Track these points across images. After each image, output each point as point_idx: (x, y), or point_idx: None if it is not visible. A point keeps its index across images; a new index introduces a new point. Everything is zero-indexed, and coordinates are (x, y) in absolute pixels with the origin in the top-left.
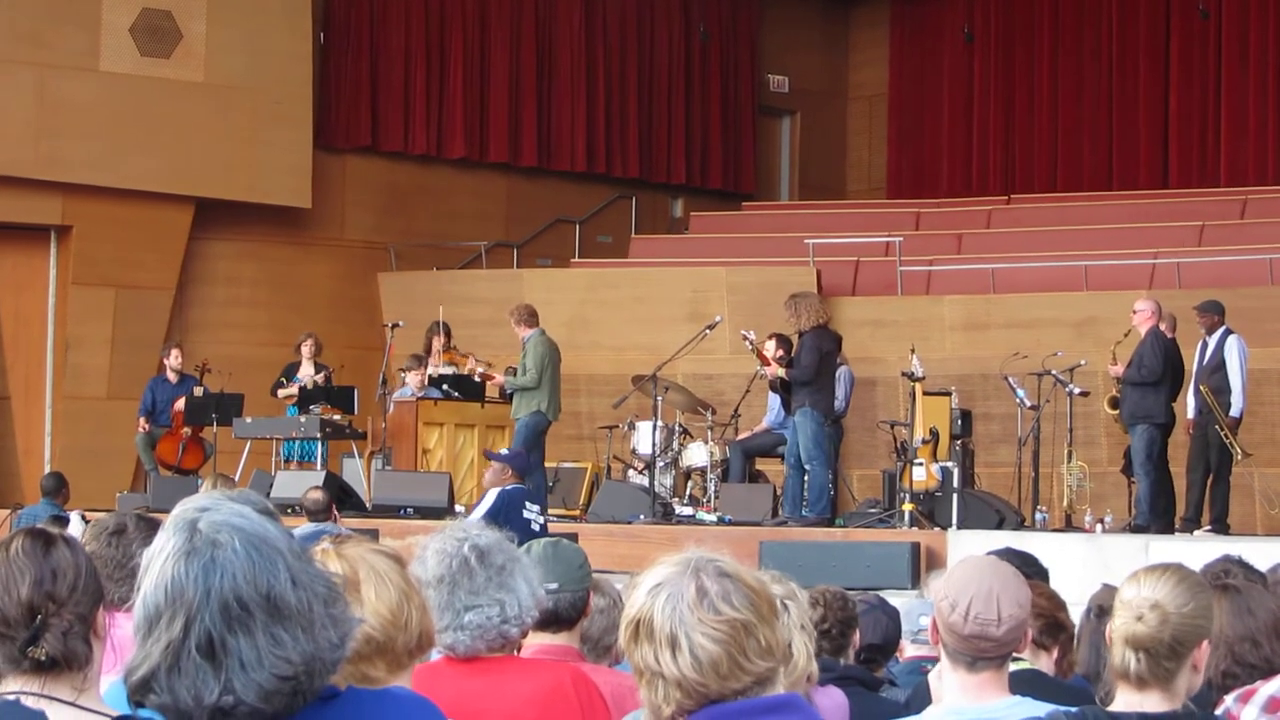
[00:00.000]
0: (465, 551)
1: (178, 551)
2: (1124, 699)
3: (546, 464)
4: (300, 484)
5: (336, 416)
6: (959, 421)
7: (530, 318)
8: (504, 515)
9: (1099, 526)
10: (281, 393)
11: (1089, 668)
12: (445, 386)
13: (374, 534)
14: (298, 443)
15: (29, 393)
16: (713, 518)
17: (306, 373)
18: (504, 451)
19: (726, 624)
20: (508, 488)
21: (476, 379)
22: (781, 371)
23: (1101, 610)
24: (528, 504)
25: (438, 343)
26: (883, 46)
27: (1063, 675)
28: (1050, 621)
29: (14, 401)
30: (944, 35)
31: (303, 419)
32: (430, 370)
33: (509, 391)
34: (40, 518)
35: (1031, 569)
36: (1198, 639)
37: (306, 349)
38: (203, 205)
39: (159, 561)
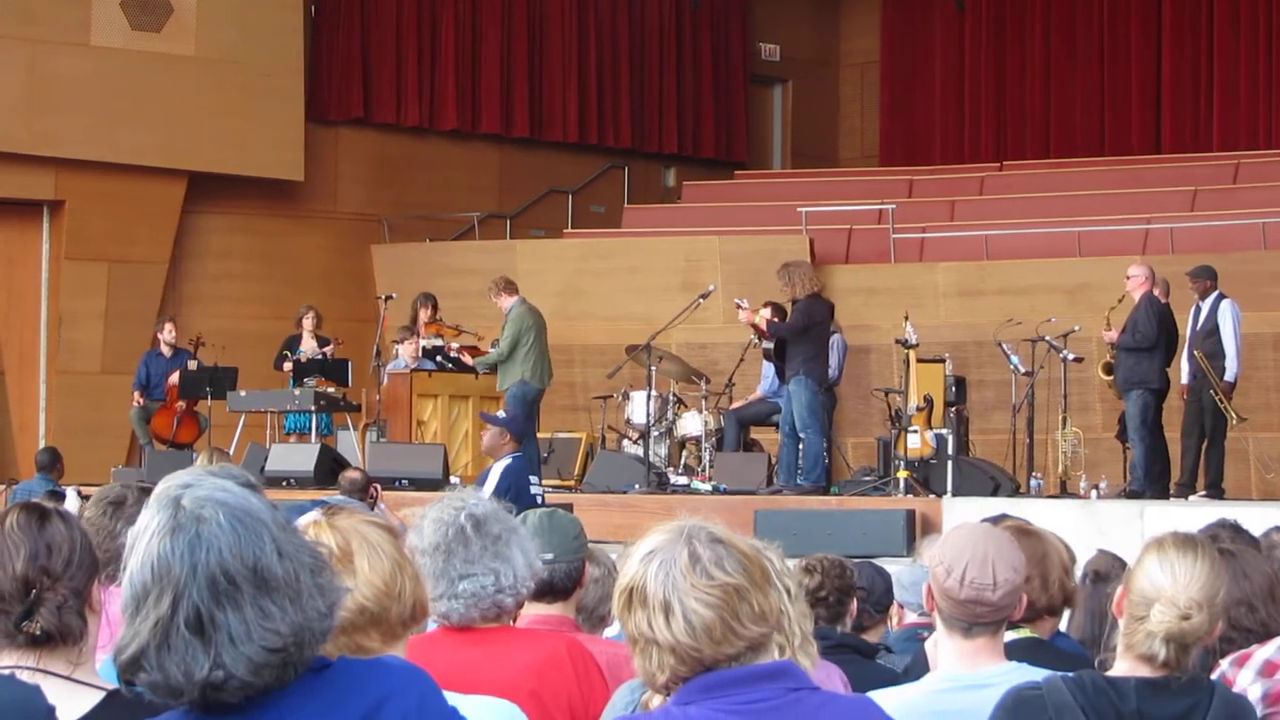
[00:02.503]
0: (462, 520)
1: (163, 528)
2: (1124, 665)
3: (541, 434)
4: (295, 457)
5: (331, 389)
6: (953, 388)
7: (508, 287)
8: (513, 493)
9: (1094, 492)
10: (286, 366)
11: (1085, 633)
12: (439, 358)
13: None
14: (301, 416)
15: (23, 368)
16: (708, 487)
17: (309, 346)
18: (500, 415)
19: (719, 589)
20: (508, 461)
21: (452, 353)
22: (759, 319)
23: (1098, 575)
24: (531, 478)
25: (424, 314)
26: (874, 14)
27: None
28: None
29: (8, 377)
30: (935, 3)
31: (297, 392)
32: (423, 342)
33: (483, 371)
34: (35, 492)
35: None
36: (1219, 620)
37: (308, 322)
38: (195, 179)
39: (144, 539)
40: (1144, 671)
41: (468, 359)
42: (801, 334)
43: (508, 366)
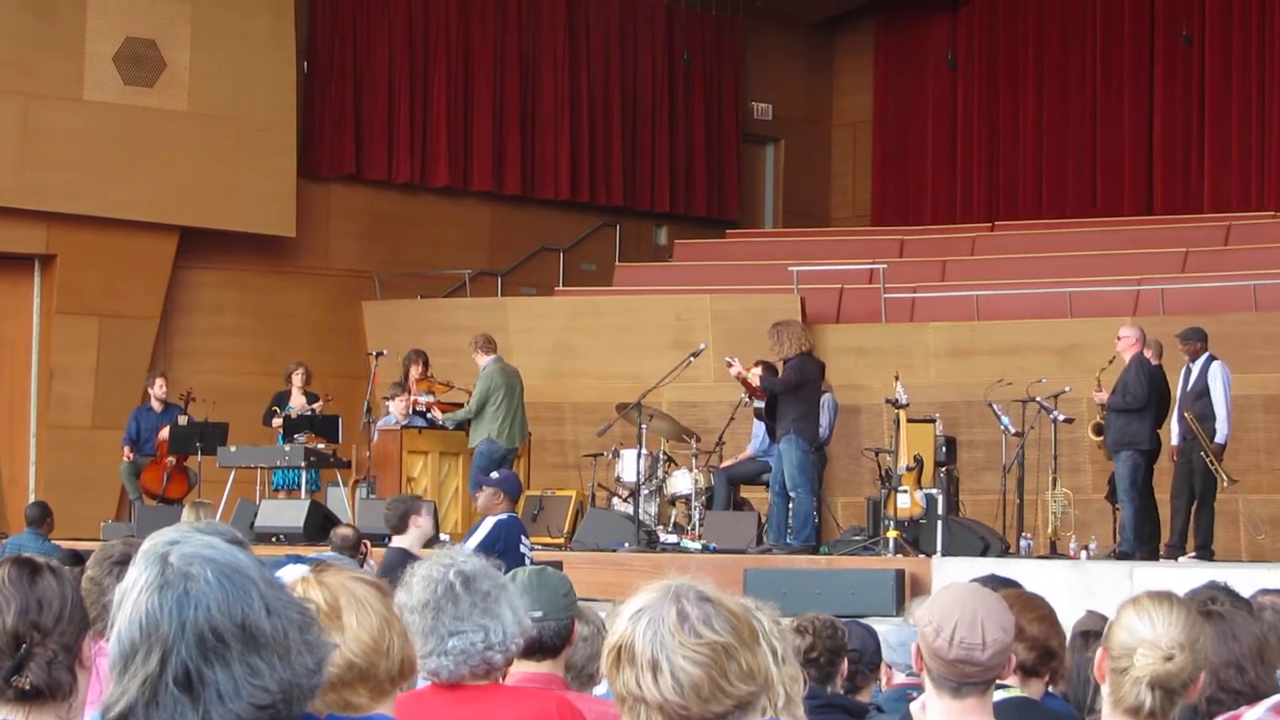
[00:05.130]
0: (451, 577)
1: (150, 585)
2: None
3: (531, 492)
4: (285, 513)
5: (321, 445)
6: (943, 448)
7: (486, 345)
8: (500, 546)
9: (1083, 553)
10: (275, 422)
11: (1074, 693)
12: (429, 415)
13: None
14: (290, 472)
15: (13, 421)
16: (697, 545)
17: (298, 402)
18: (495, 475)
19: (707, 647)
20: (502, 517)
21: (420, 407)
22: (752, 375)
23: (1087, 636)
24: (523, 538)
25: (415, 371)
26: (866, 73)
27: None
28: (1043, 652)
29: None
30: (928, 62)
31: (287, 448)
32: (420, 402)
33: (451, 428)
34: (25, 547)
35: None
36: (1202, 671)
37: (297, 378)
38: (187, 234)
39: (132, 596)
40: None
41: (438, 414)
42: (794, 391)
43: (477, 424)
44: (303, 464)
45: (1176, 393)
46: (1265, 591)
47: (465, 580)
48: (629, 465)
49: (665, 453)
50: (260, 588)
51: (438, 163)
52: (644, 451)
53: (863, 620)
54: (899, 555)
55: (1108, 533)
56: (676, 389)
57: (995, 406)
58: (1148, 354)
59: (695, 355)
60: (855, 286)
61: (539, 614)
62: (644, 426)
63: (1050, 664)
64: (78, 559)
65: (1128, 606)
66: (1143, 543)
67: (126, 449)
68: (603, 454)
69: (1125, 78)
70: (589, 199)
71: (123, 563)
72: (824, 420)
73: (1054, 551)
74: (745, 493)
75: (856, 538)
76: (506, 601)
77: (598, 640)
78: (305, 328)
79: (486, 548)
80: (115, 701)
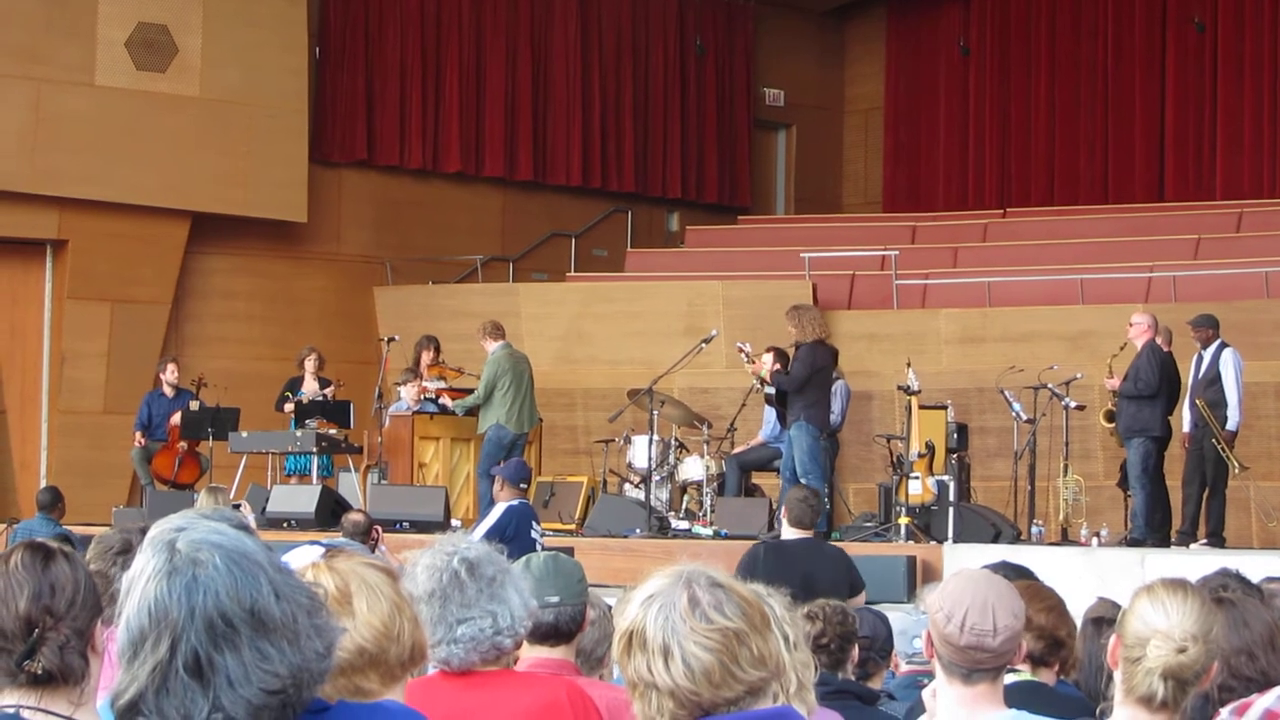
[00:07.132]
0: (455, 565)
1: (159, 572)
2: (1124, 714)
3: (543, 478)
4: (296, 498)
5: (333, 431)
6: (955, 435)
7: (494, 332)
8: (511, 532)
9: (1095, 540)
10: (287, 407)
11: (1086, 680)
12: (439, 401)
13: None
14: (302, 457)
15: (25, 407)
16: (709, 532)
17: (310, 387)
18: (501, 465)
19: (719, 632)
20: (513, 503)
21: (428, 395)
22: (765, 371)
23: (1099, 623)
24: (534, 524)
25: (427, 356)
26: (879, 60)
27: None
28: (1050, 642)
29: (10, 415)
30: (940, 49)
31: (299, 433)
32: (428, 385)
33: (461, 414)
34: (36, 532)
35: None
36: (1215, 660)
37: (309, 363)
38: (199, 219)
39: (141, 583)
40: (1140, 713)
41: (448, 400)
42: (804, 384)
43: (486, 410)
44: (314, 449)
45: (1188, 380)
46: (1272, 579)
47: (469, 567)
48: (640, 451)
49: (677, 439)
50: (269, 573)
51: (450, 148)
52: (655, 438)
53: (874, 607)
54: (910, 542)
55: (1119, 519)
56: (688, 375)
57: (1007, 393)
58: (1159, 341)
59: (707, 342)
60: (867, 273)
61: (556, 599)
62: (655, 413)
63: (1059, 653)
64: (68, 542)
65: (1142, 594)
66: (1154, 529)
67: (138, 434)
68: (614, 440)
69: (1137, 64)
70: (601, 185)
71: (124, 552)
72: (836, 407)
73: (1065, 538)
74: (757, 479)
75: (868, 524)
76: (512, 585)
77: (605, 623)
78: (317, 313)
79: (497, 533)
80: (125, 688)
